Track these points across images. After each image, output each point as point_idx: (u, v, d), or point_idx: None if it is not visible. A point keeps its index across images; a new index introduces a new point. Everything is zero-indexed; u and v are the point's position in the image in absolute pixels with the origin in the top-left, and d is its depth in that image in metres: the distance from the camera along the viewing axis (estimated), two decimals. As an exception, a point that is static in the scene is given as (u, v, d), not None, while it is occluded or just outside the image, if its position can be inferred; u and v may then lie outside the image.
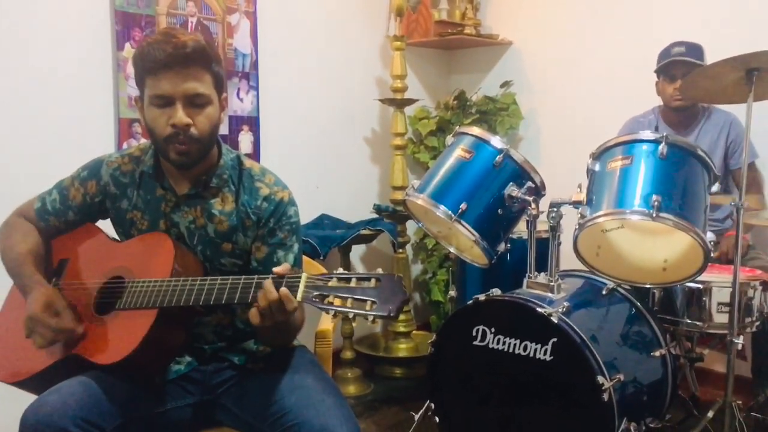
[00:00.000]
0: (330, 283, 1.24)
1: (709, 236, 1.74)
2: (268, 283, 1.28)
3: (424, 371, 2.97)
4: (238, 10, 2.79)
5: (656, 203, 1.70)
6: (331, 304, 1.22)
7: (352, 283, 1.23)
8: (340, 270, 1.28)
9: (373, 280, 1.23)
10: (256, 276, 1.33)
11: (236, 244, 1.51)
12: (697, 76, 2.10)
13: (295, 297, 1.25)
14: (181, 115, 1.38)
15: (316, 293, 1.24)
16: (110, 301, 1.45)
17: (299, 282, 1.27)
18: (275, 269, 1.30)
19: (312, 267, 1.89)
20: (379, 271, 1.26)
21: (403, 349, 3.20)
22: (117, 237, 1.60)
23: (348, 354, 3.03)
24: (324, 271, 1.89)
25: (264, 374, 1.50)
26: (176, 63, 1.36)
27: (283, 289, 1.26)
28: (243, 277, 1.35)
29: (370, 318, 1.20)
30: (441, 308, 3.40)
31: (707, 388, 2.71)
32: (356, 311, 1.20)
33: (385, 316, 1.18)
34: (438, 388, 2.08)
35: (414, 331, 3.31)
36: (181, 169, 1.48)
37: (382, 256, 3.45)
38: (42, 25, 2.27)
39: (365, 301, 1.20)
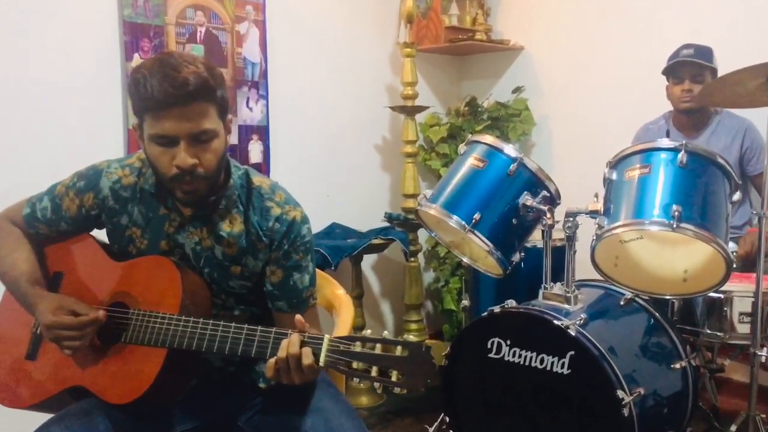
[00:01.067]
0: (353, 348, 1.18)
1: (731, 246, 1.69)
2: (294, 340, 1.21)
3: (438, 382, 2.97)
4: (247, 18, 2.77)
5: (677, 213, 1.66)
6: (356, 370, 1.17)
7: (377, 350, 1.17)
8: (366, 333, 1.21)
9: (399, 348, 1.16)
10: (273, 330, 1.26)
11: (245, 267, 1.44)
12: (719, 82, 2.05)
13: (317, 362, 1.20)
14: (184, 157, 1.28)
15: (338, 358, 1.18)
16: (114, 331, 1.38)
17: (321, 346, 1.20)
18: (297, 319, 1.25)
19: (322, 278, 1.85)
20: (409, 338, 1.21)
21: (416, 359, 3.15)
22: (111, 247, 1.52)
23: (360, 365, 2.99)
24: (336, 283, 1.88)
25: (277, 394, 1.44)
26: (178, 103, 1.25)
27: (305, 349, 1.19)
28: (259, 328, 1.27)
29: (397, 390, 1.15)
30: (454, 317, 3.36)
31: (727, 398, 2.67)
32: (382, 380, 1.15)
33: (412, 389, 1.14)
34: (452, 401, 2.04)
35: (426, 340, 3.27)
36: (188, 206, 1.41)
37: (394, 265, 3.42)
38: (50, 36, 2.25)
39: (391, 371, 1.15)
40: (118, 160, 1.50)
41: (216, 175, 1.37)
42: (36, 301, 1.39)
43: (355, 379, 1.18)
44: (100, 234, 1.53)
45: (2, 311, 1.53)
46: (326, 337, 1.20)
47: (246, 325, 1.28)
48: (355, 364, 1.16)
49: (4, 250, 1.48)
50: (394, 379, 1.14)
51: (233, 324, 1.29)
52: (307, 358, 1.19)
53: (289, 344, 1.21)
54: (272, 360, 1.22)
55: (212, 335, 1.29)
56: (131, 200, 1.45)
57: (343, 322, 1.70)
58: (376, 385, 1.16)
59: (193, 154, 1.28)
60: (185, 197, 1.35)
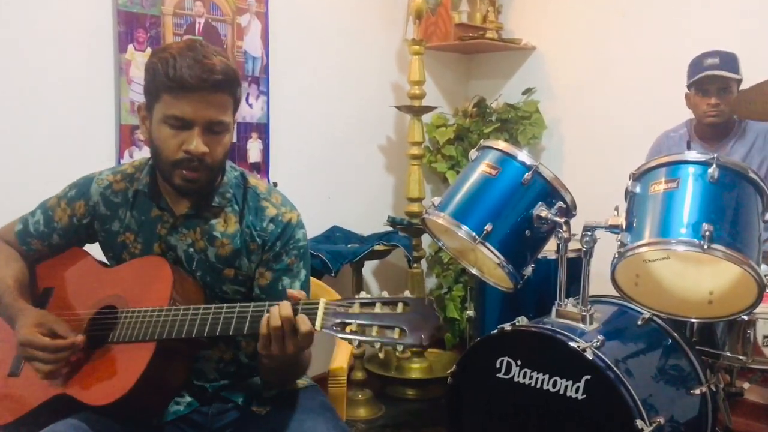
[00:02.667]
0: (351, 310, 1.12)
1: (764, 269, 1.58)
2: (285, 304, 1.16)
3: (439, 393, 2.90)
4: (248, 10, 2.65)
5: (707, 233, 1.54)
6: (354, 332, 1.09)
7: (377, 309, 1.11)
8: (363, 294, 1.15)
9: (400, 305, 1.11)
10: (267, 303, 1.20)
11: (239, 269, 1.40)
12: (751, 92, 1.93)
13: (314, 325, 1.13)
14: (198, 143, 1.27)
15: (336, 321, 1.11)
16: (102, 334, 1.32)
17: (317, 309, 1.14)
18: (290, 292, 1.19)
19: (320, 288, 1.75)
20: (407, 294, 1.13)
21: (416, 369, 3.05)
22: (107, 262, 1.47)
23: (358, 374, 2.89)
24: (333, 293, 1.77)
25: (271, 418, 1.37)
26: (203, 88, 1.25)
27: (301, 316, 1.14)
28: (252, 304, 1.22)
29: (400, 348, 1.07)
30: (456, 326, 3.26)
31: (742, 419, 2.58)
32: (383, 340, 1.07)
33: (417, 345, 1.06)
34: (457, 420, 1.95)
35: (428, 350, 3.17)
36: (182, 194, 1.36)
37: (397, 271, 3.32)
38: (40, 24, 2.14)
39: (393, 328, 1.08)
40: (110, 169, 1.50)
41: (219, 169, 1.36)
42: (17, 314, 1.35)
43: (354, 342, 1.10)
44: (95, 249, 1.49)
45: None
46: (322, 300, 1.16)
47: (237, 304, 1.25)
48: (353, 326, 1.10)
49: None
50: (396, 336, 1.07)
51: (224, 305, 1.25)
52: (304, 325, 1.14)
53: (281, 308, 1.16)
54: (264, 329, 1.17)
55: (203, 319, 1.23)
56: (123, 205, 1.43)
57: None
58: (377, 345, 1.08)
59: (205, 142, 1.28)
60: (185, 185, 1.32)
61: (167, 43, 1.35)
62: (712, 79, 2.39)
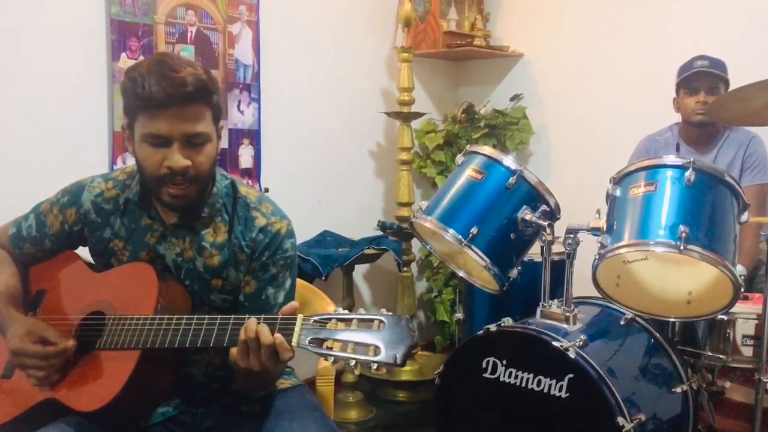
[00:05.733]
0: (328, 326, 1.14)
1: (739, 269, 1.63)
2: (252, 322, 1.17)
3: (429, 395, 2.92)
4: (240, 19, 2.69)
5: (683, 234, 1.59)
6: (330, 349, 1.11)
7: (353, 325, 1.13)
8: (340, 310, 1.17)
9: (376, 322, 1.12)
10: (247, 316, 1.21)
11: (227, 280, 1.39)
12: (727, 97, 1.99)
13: (289, 343, 1.14)
14: (178, 158, 1.26)
15: (312, 337, 1.13)
16: (90, 340, 1.33)
17: (294, 325, 1.16)
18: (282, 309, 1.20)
19: (311, 292, 1.78)
20: (383, 311, 1.15)
21: (406, 371, 3.08)
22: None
23: (349, 377, 2.92)
24: (324, 297, 1.80)
25: (260, 419, 1.38)
26: (175, 103, 1.24)
27: (278, 335, 1.15)
28: (233, 317, 1.23)
29: (374, 366, 1.09)
30: (446, 328, 3.30)
31: (725, 419, 2.61)
32: (358, 357, 1.09)
33: (390, 363, 1.08)
34: (445, 420, 1.99)
35: (418, 352, 3.20)
36: (172, 210, 1.37)
37: (387, 275, 3.35)
38: (33, 34, 2.16)
39: (368, 346, 1.10)
40: (102, 175, 1.49)
41: (207, 180, 1.35)
42: (7, 323, 1.36)
43: (330, 359, 1.11)
44: (84, 252, 1.50)
45: None
46: (300, 316, 1.17)
47: (219, 315, 1.25)
48: (330, 342, 1.12)
49: None
50: (371, 354, 1.08)
51: (207, 316, 1.26)
52: (281, 346, 1.14)
53: (248, 329, 1.16)
54: (241, 345, 1.17)
55: (185, 330, 1.25)
56: (113, 213, 1.43)
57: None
58: (353, 363, 1.10)
59: (186, 155, 1.27)
60: (173, 201, 1.32)
61: (138, 62, 1.35)
62: (701, 77, 2.44)
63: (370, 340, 1.10)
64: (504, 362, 1.83)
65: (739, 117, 2.07)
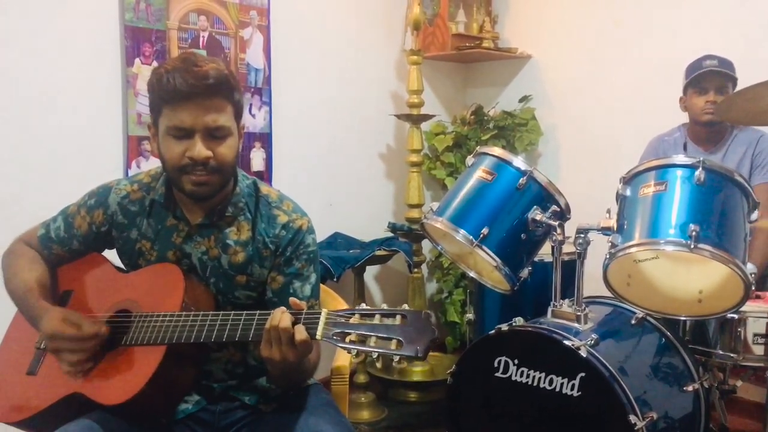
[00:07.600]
0: (351, 320, 1.17)
1: (750, 268, 1.63)
2: (279, 310, 1.21)
3: (440, 396, 2.93)
4: (251, 24, 2.72)
5: (694, 233, 1.60)
6: (353, 342, 1.14)
7: (376, 320, 1.16)
8: (363, 305, 1.20)
9: (398, 317, 1.16)
10: (271, 312, 1.25)
11: (251, 276, 1.44)
12: (736, 96, 2.00)
13: (314, 336, 1.18)
14: (200, 148, 1.31)
15: (336, 331, 1.16)
16: (116, 337, 1.37)
17: (318, 319, 1.19)
18: (292, 300, 1.24)
19: (325, 293, 1.80)
20: (405, 307, 1.18)
21: (417, 372, 3.10)
22: (123, 267, 1.53)
23: (361, 378, 2.94)
24: (337, 297, 1.83)
25: (277, 416, 1.42)
26: (197, 94, 1.29)
27: (299, 326, 1.19)
28: (257, 312, 1.27)
29: (396, 359, 1.12)
30: (457, 329, 3.31)
31: (737, 417, 2.61)
32: (381, 351, 1.12)
33: (412, 357, 1.11)
34: (456, 420, 1.99)
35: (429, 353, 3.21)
36: (196, 201, 1.41)
37: (398, 276, 3.36)
38: (49, 40, 2.20)
39: (390, 339, 1.13)
40: (127, 178, 1.54)
41: (229, 173, 1.39)
42: (41, 313, 1.39)
43: (353, 352, 1.14)
44: (111, 254, 1.54)
45: (10, 333, 1.53)
46: (324, 310, 1.21)
47: (244, 311, 1.29)
48: (352, 336, 1.14)
49: (17, 268, 1.50)
50: (393, 347, 1.11)
51: (232, 312, 1.30)
52: (300, 334, 1.19)
53: (281, 320, 1.20)
54: (265, 335, 1.22)
55: (211, 325, 1.28)
56: (140, 214, 1.47)
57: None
58: (375, 356, 1.13)
59: (207, 147, 1.31)
60: (195, 190, 1.35)
61: (164, 61, 1.41)
62: (710, 76, 2.44)
63: (393, 334, 1.13)
64: (516, 361, 1.83)
65: (748, 116, 2.08)
